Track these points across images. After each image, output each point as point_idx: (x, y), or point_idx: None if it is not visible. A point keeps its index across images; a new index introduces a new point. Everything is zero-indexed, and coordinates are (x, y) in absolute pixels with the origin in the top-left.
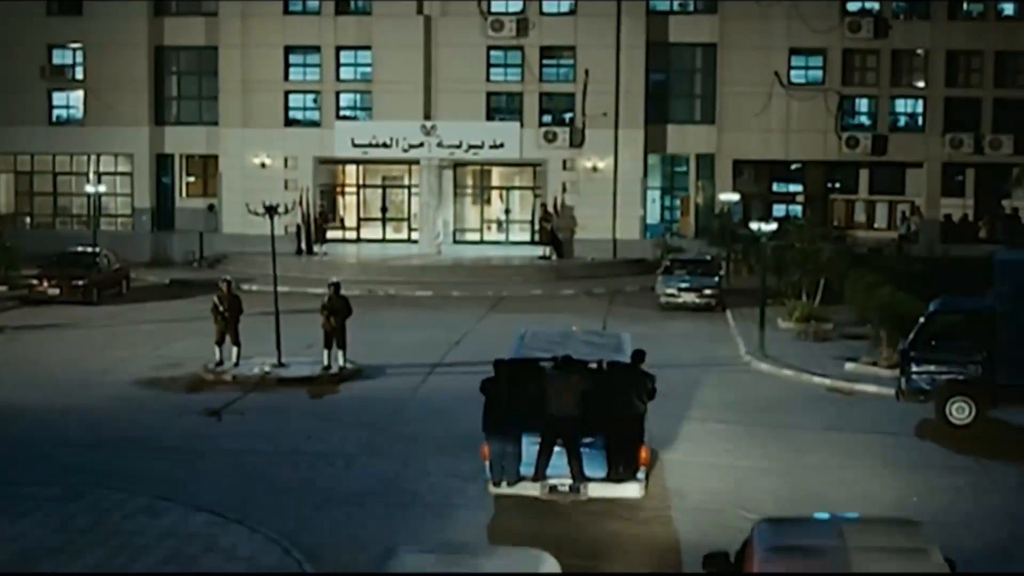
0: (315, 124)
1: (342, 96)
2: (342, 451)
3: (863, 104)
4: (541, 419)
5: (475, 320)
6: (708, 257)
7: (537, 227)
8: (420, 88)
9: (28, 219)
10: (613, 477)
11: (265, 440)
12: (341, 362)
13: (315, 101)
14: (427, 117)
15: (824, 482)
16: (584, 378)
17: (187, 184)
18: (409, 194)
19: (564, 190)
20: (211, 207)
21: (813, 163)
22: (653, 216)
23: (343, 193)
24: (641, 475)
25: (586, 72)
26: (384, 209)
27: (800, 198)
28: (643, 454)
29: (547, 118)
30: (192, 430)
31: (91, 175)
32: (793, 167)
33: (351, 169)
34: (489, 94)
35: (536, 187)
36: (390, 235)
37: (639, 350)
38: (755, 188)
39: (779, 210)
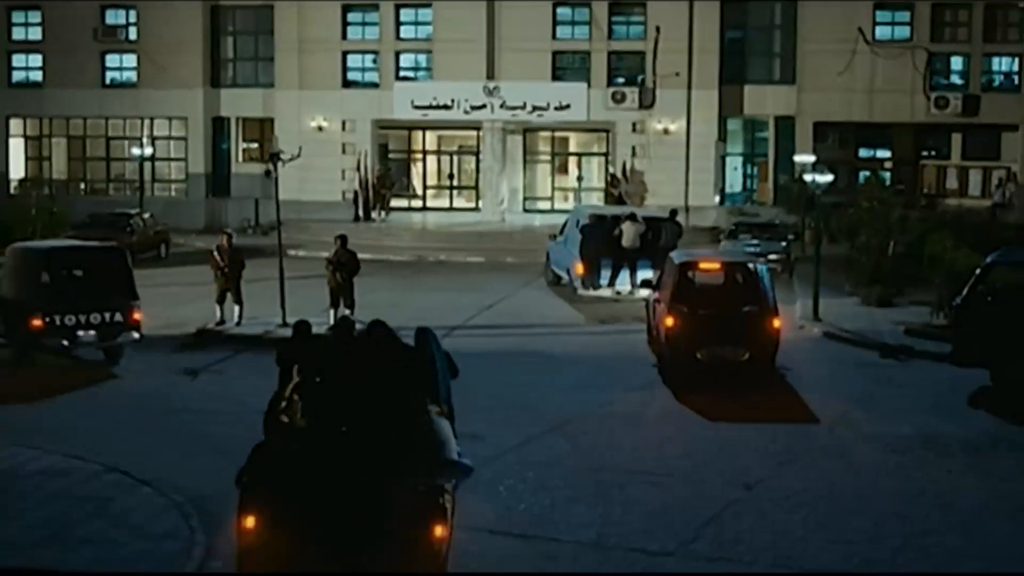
0: (374, 85)
1: (402, 56)
2: None
3: (955, 62)
4: (615, 251)
5: (519, 286)
6: (776, 221)
7: (604, 193)
8: (483, 47)
9: (82, 185)
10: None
11: (232, 400)
12: None
13: (374, 61)
14: (490, 77)
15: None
16: (641, 225)
17: (243, 149)
18: (478, 161)
19: (633, 154)
20: (268, 172)
21: (902, 127)
22: (735, 184)
23: (412, 160)
24: None
25: (657, 29)
26: (452, 176)
27: (888, 164)
28: None
29: (617, 79)
30: (159, 388)
31: (144, 139)
32: (881, 131)
33: (418, 135)
34: (555, 53)
35: (608, 153)
36: (458, 204)
37: (674, 209)
38: (841, 153)
39: (866, 176)
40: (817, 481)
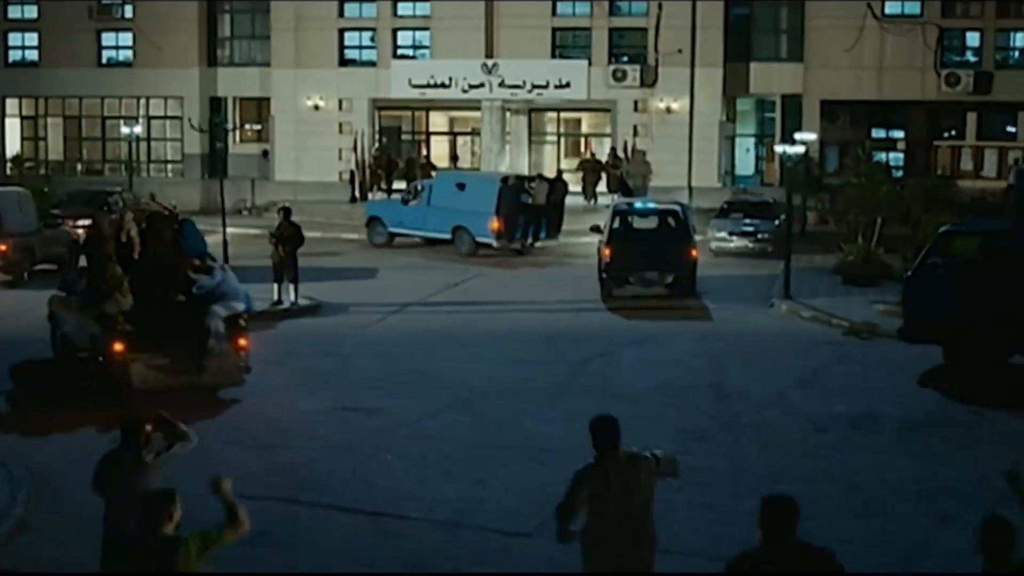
0: (371, 64)
1: (400, 34)
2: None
3: (967, 38)
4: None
5: (493, 265)
6: (771, 200)
7: (605, 173)
8: (481, 25)
9: (78, 165)
10: None
11: None
12: (292, 297)
13: (371, 39)
14: (488, 56)
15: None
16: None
17: (240, 129)
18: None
19: (635, 133)
20: (265, 153)
21: (915, 107)
22: (746, 167)
23: (415, 140)
24: None
25: (659, 6)
26: (455, 157)
27: (901, 145)
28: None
29: (619, 57)
30: None
31: (139, 118)
32: (894, 111)
33: (421, 115)
34: (555, 30)
35: (611, 133)
36: None
37: (559, 170)
38: (852, 133)
39: (878, 157)
40: (722, 460)
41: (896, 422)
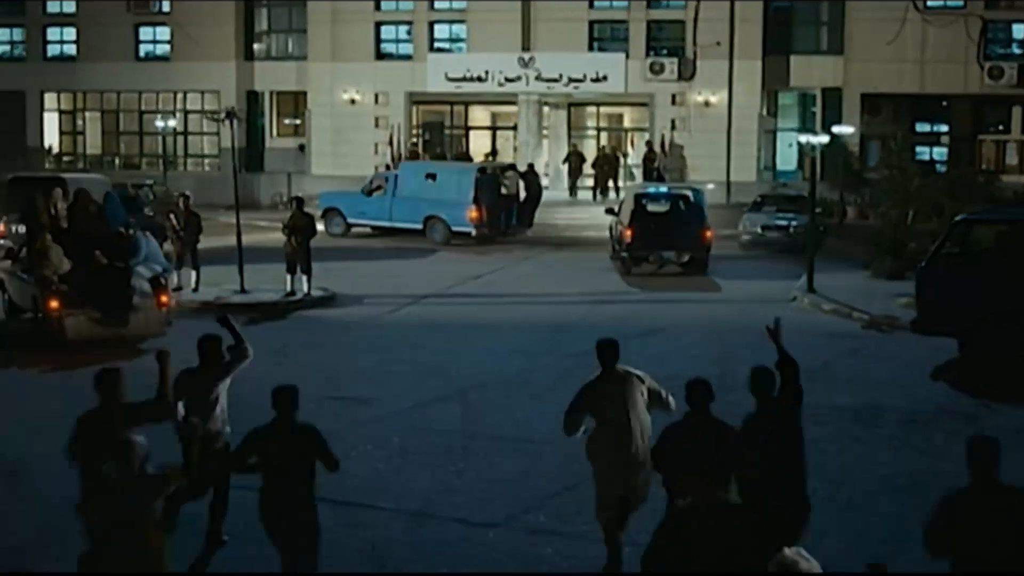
0: (407, 57)
1: (436, 27)
2: None
3: (1012, 30)
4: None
5: (519, 259)
6: (804, 193)
7: (642, 167)
8: (518, 18)
9: (116, 159)
10: None
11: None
12: (305, 288)
13: (408, 33)
14: (525, 49)
15: None
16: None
17: (277, 123)
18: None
19: (673, 127)
20: (301, 147)
21: (959, 100)
22: (788, 162)
23: (452, 135)
24: None
25: None
26: (494, 152)
27: (945, 139)
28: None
29: (656, 50)
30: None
31: (176, 112)
32: (938, 104)
33: (460, 109)
34: (592, 23)
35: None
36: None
37: (530, 164)
38: (895, 128)
39: (922, 152)
40: None
41: (900, 415)
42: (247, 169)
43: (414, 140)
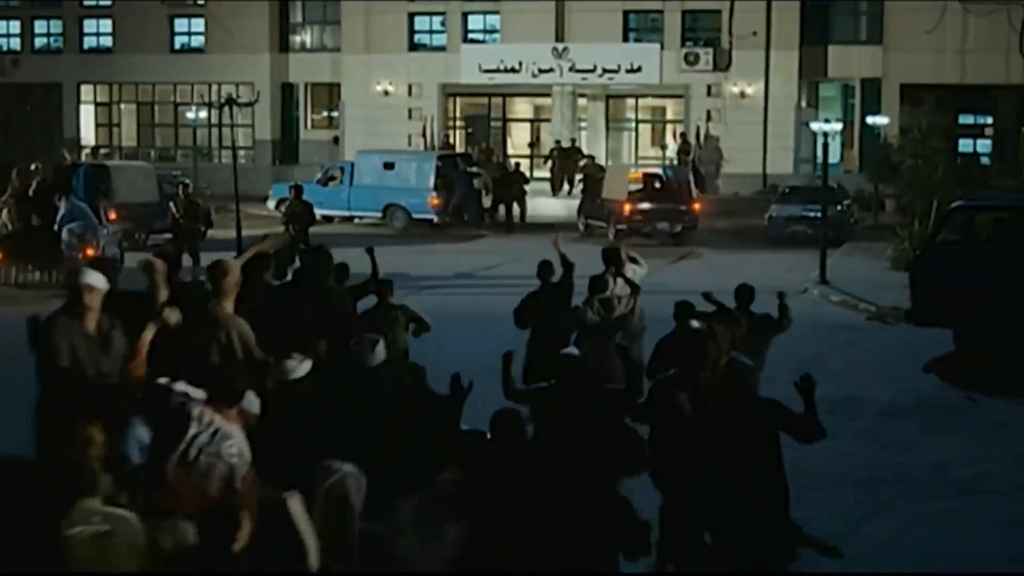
0: (441, 49)
1: (469, 18)
2: None
3: None
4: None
5: (538, 248)
6: (834, 186)
7: (676, 160)
8: (552, 8)
9: (151, 151)
10: None
11: None
12: None
13: (442, 24)
14: (559, 39)
15: None
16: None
17: (312, 115)
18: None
19: (708, 118)
20: (336, 139)
21: (1005, 91)
22: (830, 155)
23: (491, 127)
24: None
25: None
26: (532, 144)
27: (988, 131)
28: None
29: (693, 40)
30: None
31: (210, 102)
32: (982, 95)
33: (497, 101)
34: (626, 13)
35: (683, 120)
36: (538, 174)
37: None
38: (937, 119)
39: (966, 144)
40: None
41: (879, 407)
42: (281, 161)
43: (447, 132)
